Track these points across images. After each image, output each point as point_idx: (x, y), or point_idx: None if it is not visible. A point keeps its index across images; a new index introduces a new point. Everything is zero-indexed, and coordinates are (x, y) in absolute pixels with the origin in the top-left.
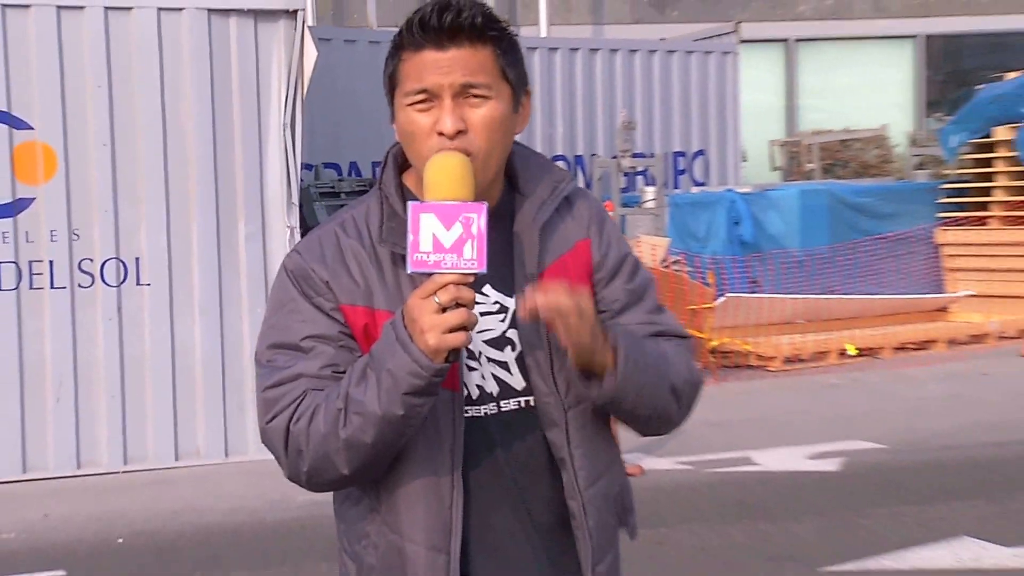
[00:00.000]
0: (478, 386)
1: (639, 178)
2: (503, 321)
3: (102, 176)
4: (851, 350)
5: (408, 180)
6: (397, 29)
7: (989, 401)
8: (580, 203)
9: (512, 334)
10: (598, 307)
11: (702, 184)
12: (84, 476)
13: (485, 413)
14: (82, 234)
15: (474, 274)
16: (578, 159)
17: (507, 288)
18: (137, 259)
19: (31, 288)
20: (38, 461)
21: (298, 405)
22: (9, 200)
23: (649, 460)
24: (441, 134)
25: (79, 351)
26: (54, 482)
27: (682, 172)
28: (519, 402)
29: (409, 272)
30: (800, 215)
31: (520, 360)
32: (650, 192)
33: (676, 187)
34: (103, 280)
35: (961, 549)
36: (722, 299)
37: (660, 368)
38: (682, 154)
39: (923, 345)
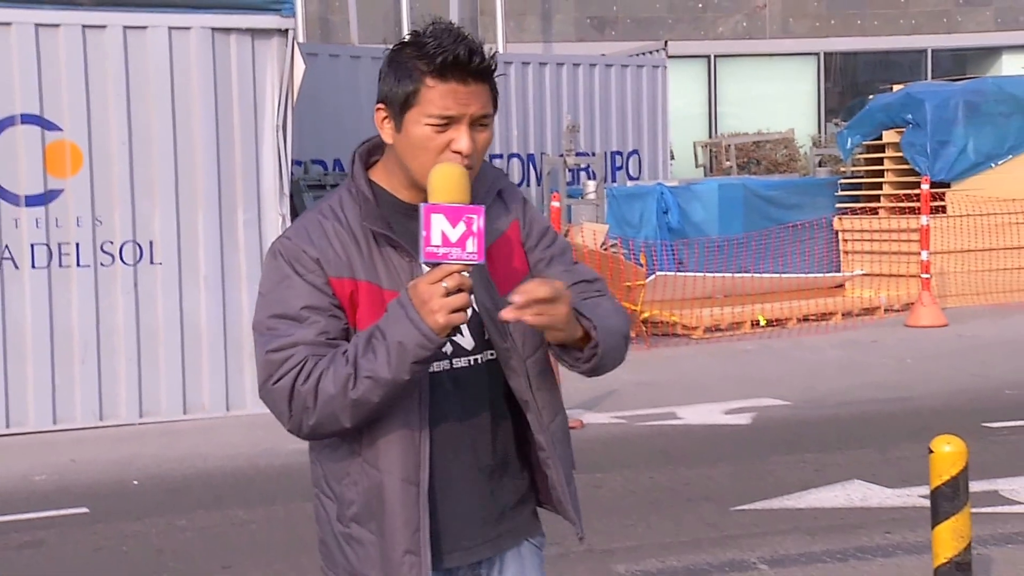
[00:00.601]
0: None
1: (582, 173)
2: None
3: (121, 170)
4: (762, 321)
5: (373, 175)
6: (385, 46)
7: (878, 364)
8: (509, 195)
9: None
10: (532, 270)
11: (636, 179)
12: (105, 427)
13: (441, 369)
14: (104, 220)
15: (473, 264)
16: (530, 157)
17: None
18: (151, 242)
19: (60, 266)
20: (66, 414)
21: (302, 368)
22: (41, 191)
23: (588, 415)
24: (457, 152)
25: (101, 320)
26: (79, 432)
27: (619, 168)
28: (468, 360)
29: (422, 262)
30: (719, 205)
31: (470, 325)
32: (591, 185)
33: (614, 181)
34: (122, 260)
35: (852, 490)
36: (652, 277)
37: (615, 327)
38: (619, 153)
39: (822, 317)
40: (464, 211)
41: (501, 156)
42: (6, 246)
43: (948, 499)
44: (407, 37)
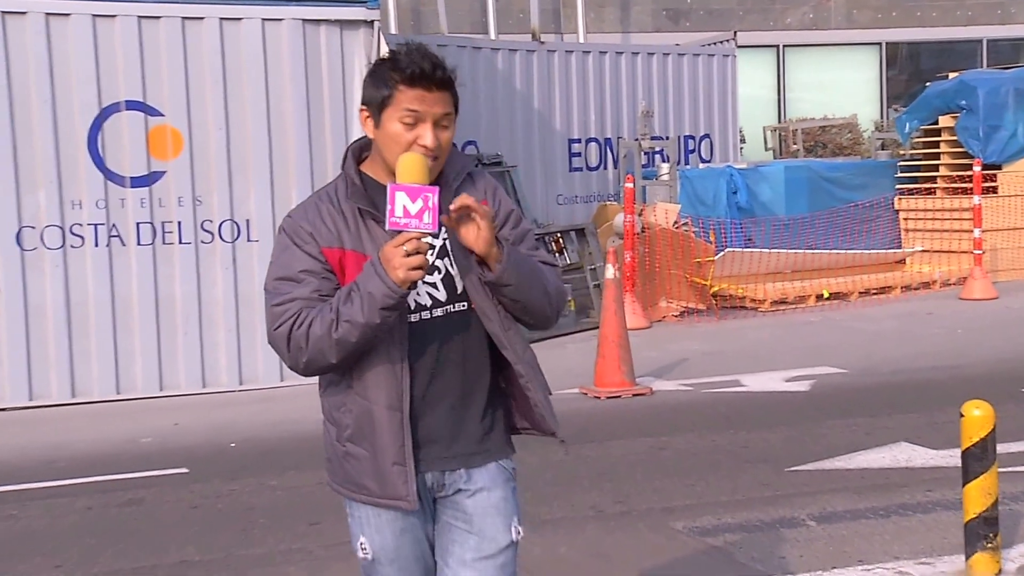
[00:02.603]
0: (416, 301)
1: (656, 156)
2: (432, 254)
3: (219, 153)
4: (825, 294)
5: (364, 167)
6: (465, 34)
7: (932, 335)
8: (479, 178)
9: (439, 263)
10: (500, 238)
11: (707, 161)
12: (207, 393)
13: (420, 318)
14: (204, 200)
15: (429, 233)
16: (607, 141)
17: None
18: (247, 220)
19: (164, 244)
20: (171, 381)
21: (297, 317)
22: (145, 173)
23: (658, 383)
24: (423, 145)
25: (202, 294)
26: (183, 398)
27: (691, 151)
28: (444, 310)
29: (387, 229)
30: (785, 186)
31: (445, 280)
32: (665, 168)
33: (686, 163)
34: (220, 237)
35: (898, 452)
36: (722, 253)
37: (534, 271)
38: (691, 137)
39: (882, 290)
40: (422, 190)
41: (579, 140)
42: (114, 225)
43: (977, 459)
44: (386, 55)
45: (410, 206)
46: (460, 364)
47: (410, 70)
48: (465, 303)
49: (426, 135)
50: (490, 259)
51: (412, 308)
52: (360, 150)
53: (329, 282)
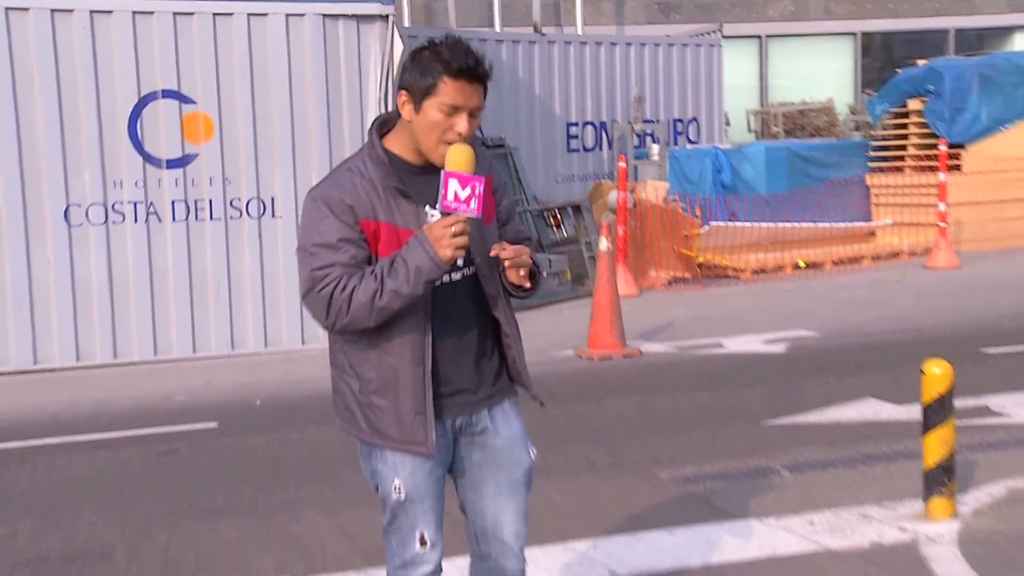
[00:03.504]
0: None
1: (648, 138)
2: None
3: (247, 138)
4: (801, 264)
5: (387, 142)
6: (474, 28)
7: (897, 300)
8: (480, 157)
9: None
10: (498, 215)
11: (694, 143)
12: (235, 355)
13: (442, 282)
14: (232, 180)
15: (474, 218)
16: (603, 124)
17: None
18: (272, 199)
19: (196, 220)
20: (203, 344)
21: (339, 282)
22: (179, 155)
23: (646, 345)
24: (459, 133)
25: (231, 265)
26: (214, 359)
27: (680, 134)
28: (461, 274)
29: (439, 210)
30: (766, 165)
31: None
32: (655, 149)
33: (675, 144)
34: (248, 214)
35: (865, 407)
36: (707, 227)
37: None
38: (680, 120)
39: (854, 260)
40: (472, 179)
41: (577, 124)
42: (151, 203)
43: (936, 413)
44: (427, 44)
45: (460, 192)
46: (475, 320)
47: (456, 64)
48: (474, 267)
49: (462, 124)
50: (522, 283)
51: None
52: (382, 125)
53: (363, 251)
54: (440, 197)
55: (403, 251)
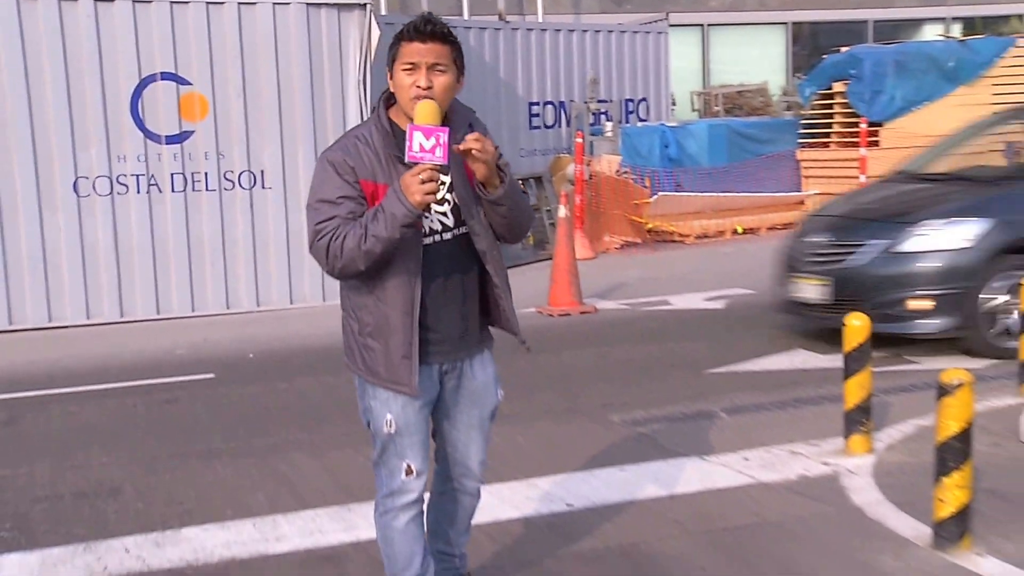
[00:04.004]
0: (429, 227)
1: (602, 116)
2: (443, 189)
3: (238, 116)
4: (739, 230)
5: (391, 113)
6: (444, 16)
7: None
8: (477, 127)
9: (449, 196)
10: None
11: (644, 120)
12: (231, 314)
13: (433, 240)
14: (226, 155)
15: (441, 165)
16: (561, 103)
17: (444, 170)
18: (262, 171)
19: (193, 191)
20: (201, 303)
21: (335, 232)
22: (177, 132)
23: (602, 303)
24: (418, 87)
25: (226, 232)
26: (211, 317)
27: (631, 112)
28: (452, 234)
29: (406, 161)
30: (708, 141)
31: (453, 210)
32: (609, 126)
33: (627, 122)
34: (240, 185)
35: (795, 357)
36: (656, 196)
37: (521, 195)
38: (631, 100)
39: (786, 226)
40: (435, 130)
41: (538, 103)
42: (152, 175)
43: (856, 361)
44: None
45: (425, 143)
46: (462, 277)
47: (410, 27)
48: (466, 228)
49: (421, 79)
50: (490, 185)
51: (427, 232)
52: (388, 99)
53: (361, 207)
54: (407, 148)
55: (383, 201)
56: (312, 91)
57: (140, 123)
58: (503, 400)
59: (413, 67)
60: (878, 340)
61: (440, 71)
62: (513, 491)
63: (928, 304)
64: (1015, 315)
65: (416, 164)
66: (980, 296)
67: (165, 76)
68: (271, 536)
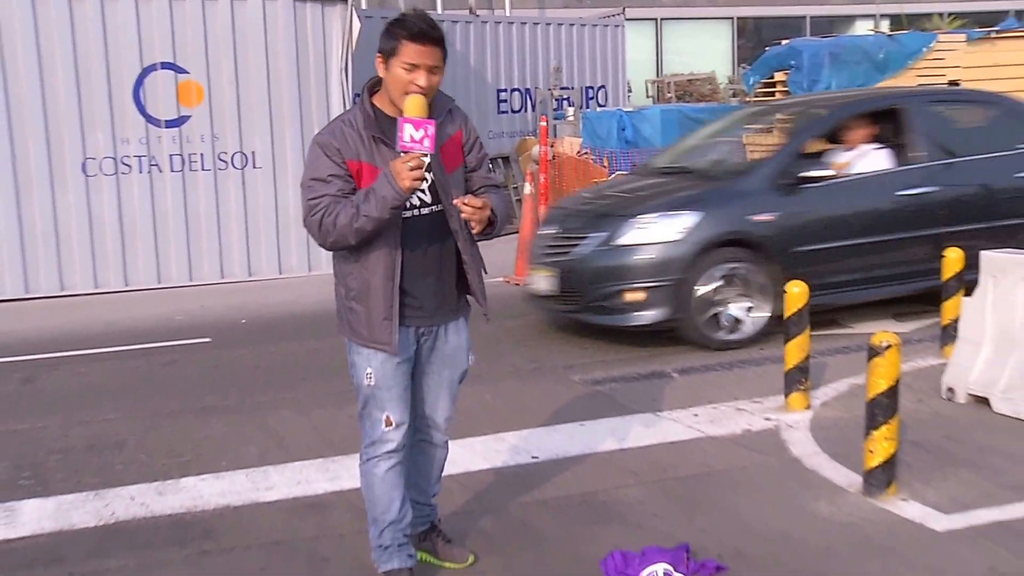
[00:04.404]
0: (409, 202)
1: (564, 102)
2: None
3: (231, 102)
4: None
5: (376, 99)
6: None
7: None
8: (456, 114)
9: (427, 175)
10: (466, 164)
11: (603, 106)
12: (224, 282)
13: (412, 214)
14: (220, 137)
15: (428, 154)
16: (527, 90)
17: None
18: (253, 152)
19: (190, 171)
20: (198, 273)
21: (327, 209)
22: (175, 117)
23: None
24: (419, 86)
25: (220, 208)
26: (206, 286)
27: (591, 98)
28: (429, 209)
29: (398, 150)
30: (662, 125)
31: (431, 188)
32: (571, 111)
33: (587, 107)
34: (233, 165)
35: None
36: (613, 175)
37: (506, 213)
38: (591, 87)
39: None
40: (423, 122)
41: (506, 90)
42: (153, 156)
43: (795, 325)
44: (398, 18)
45: (414, 134)
46: (440, 248)
47: (414, 30)
48: (441, 205)
49: (421, 79)
50: (479, 232)
51: (407, 207)
52: (373, 86)
53: (349, 184)
54: (398, 138)
55: (374, 184)
56: (298, 79)
57: (142, 109)
58: (473, 364)
59: (413, 67)
60: (816, 307)
61: (435, 72)
62: (483, 444)
63: (641, 296)
64: (729, 308)
65: (406, 152)
66: (693, 287)
67: (164, 66)
68: (262, 486)
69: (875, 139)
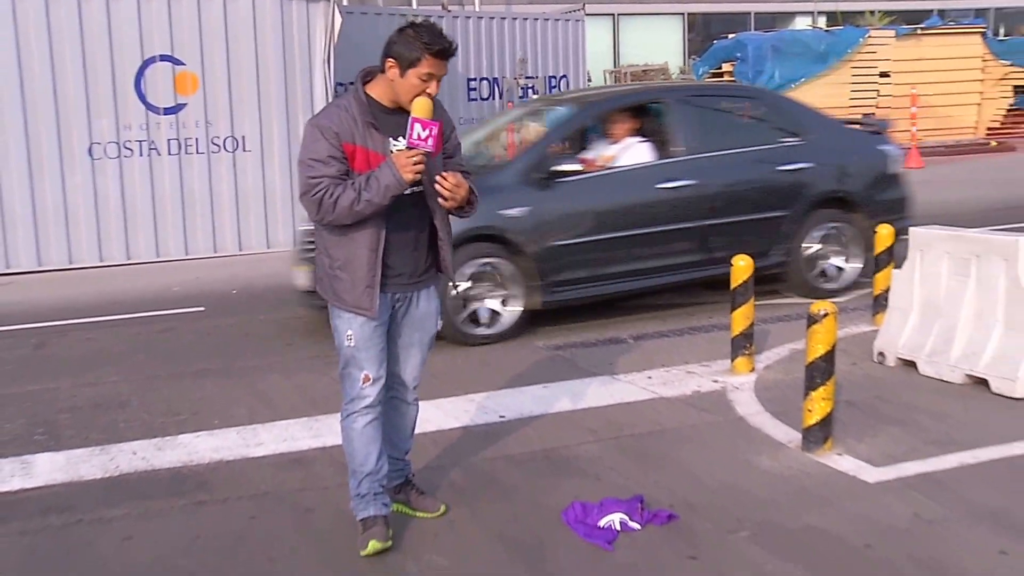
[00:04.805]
0: None
1: (529, 90)
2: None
3: (223, 90)
4: None
5: (369, 88)
6: (394, 7)
7: None
8: (439, 107)
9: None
10: (446, 150)
11: (552, 92)
12: (217, 256)
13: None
14: (213, 123)
15: (430, 152)
16: (495, 79)
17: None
18: (243, 136)
19: (186, 154)
20: (193, 248)
21: (327, 190)
22: (173, 104)
23: None
24: (431, 95)
25: (213, 187)
26: (201, 259)
27: (554, 87)
28: (412, 189)
29: (407, 146)
30: None
31: None
32: (535, 98)
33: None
34: (225, 149)
35: (690, 292)
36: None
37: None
38: (554, 76)
39: None
40: (431, 124)
41: (476, 79)
42: (152, 141)
43: (741, 295)
44: (409, 26)
45: (422, 133)
46: (418, 224)
47: (437, 47)
48: (421, 186)
49: (433, 87)
50: (460, 208)
51: None
52: (366, 75)
53: (344, 166)
54: (408, 135)
55: (376, 171)
56: (284, 70)
57: (142, 97)
58: (440, 329)
59: (431, 77)
60: (760, 279)
61: (440, 80)
62: (453, 405)
63: None
64: (484, 303)
65: (413, 148)
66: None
67: (163, 58)
68: (251, 442)
69: (640, 133)
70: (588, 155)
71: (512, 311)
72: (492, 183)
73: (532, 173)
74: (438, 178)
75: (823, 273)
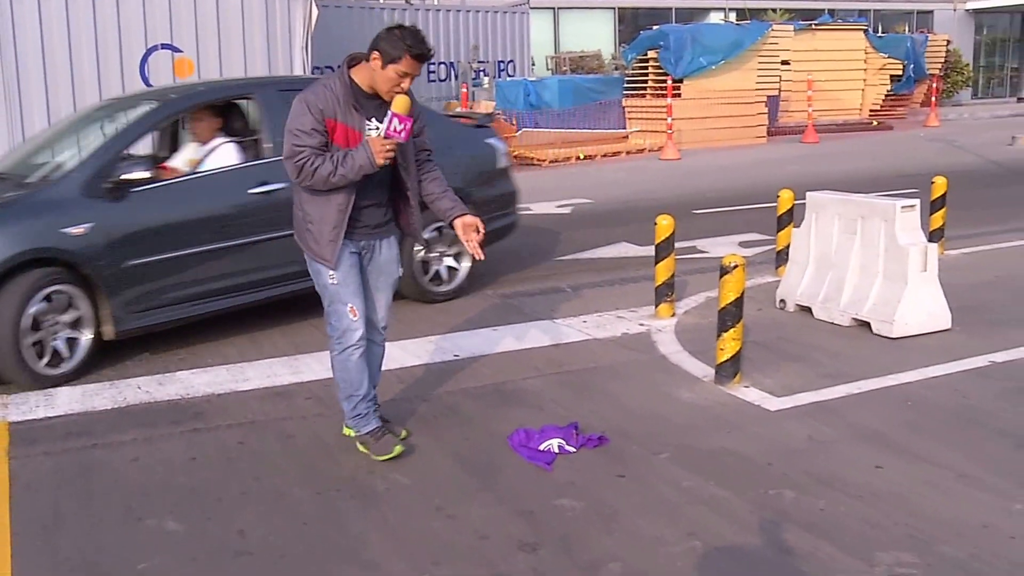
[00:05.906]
0: None
1: (481, 73)
2: (378, 132)
3: (215, 74)
4: (581, 156)
5: (353, 72)
6: (364, 2)
7: (642, 179)
8: (414, 103)
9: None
10: (414, 132)
11: (512, 76)
12: None
13: None
14: None
15: (402, 141)
16: (452, 63)
17: (381, 121)
18: None
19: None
20: None
21: (309, 159)
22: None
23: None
24: (402, 88)
25: None
26: None
27: (503, 70)
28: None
29: (384, 136)
30: (559, 91)
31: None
32: (486, 80)
33: (499, 77)
34: None
35: (621, 248)
36: (520, 132)
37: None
38: (503, 61)
39: (615, 154)
40: (407, 119)
41: (435, 63)
42: None
43: (664, 249)
44: (400, 26)
45: (398, 126)
46: (386, 190)
47: (416, 51)
48: (395, 161)
49: (406, 83)
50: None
51: None
52: (351, 60)
53: (324, 138)
54: (386, 127)
55: (354, 152)
56: (269, 55)
57: (146, 80)
58: (401, 275)
59: (406, 75)
60: (679, 235)
61: (413, 78)
62: (415, 345)
63: None
64: (58, 336)
65: (389, 137)
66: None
67: (164, 46)
68: (240, 378)
69: (229, 132)
70: (173, 160)
71: (85, 340)
72: (50, 196)
73: (97, 183)
74: (471, 249)
75: (436, 276)
